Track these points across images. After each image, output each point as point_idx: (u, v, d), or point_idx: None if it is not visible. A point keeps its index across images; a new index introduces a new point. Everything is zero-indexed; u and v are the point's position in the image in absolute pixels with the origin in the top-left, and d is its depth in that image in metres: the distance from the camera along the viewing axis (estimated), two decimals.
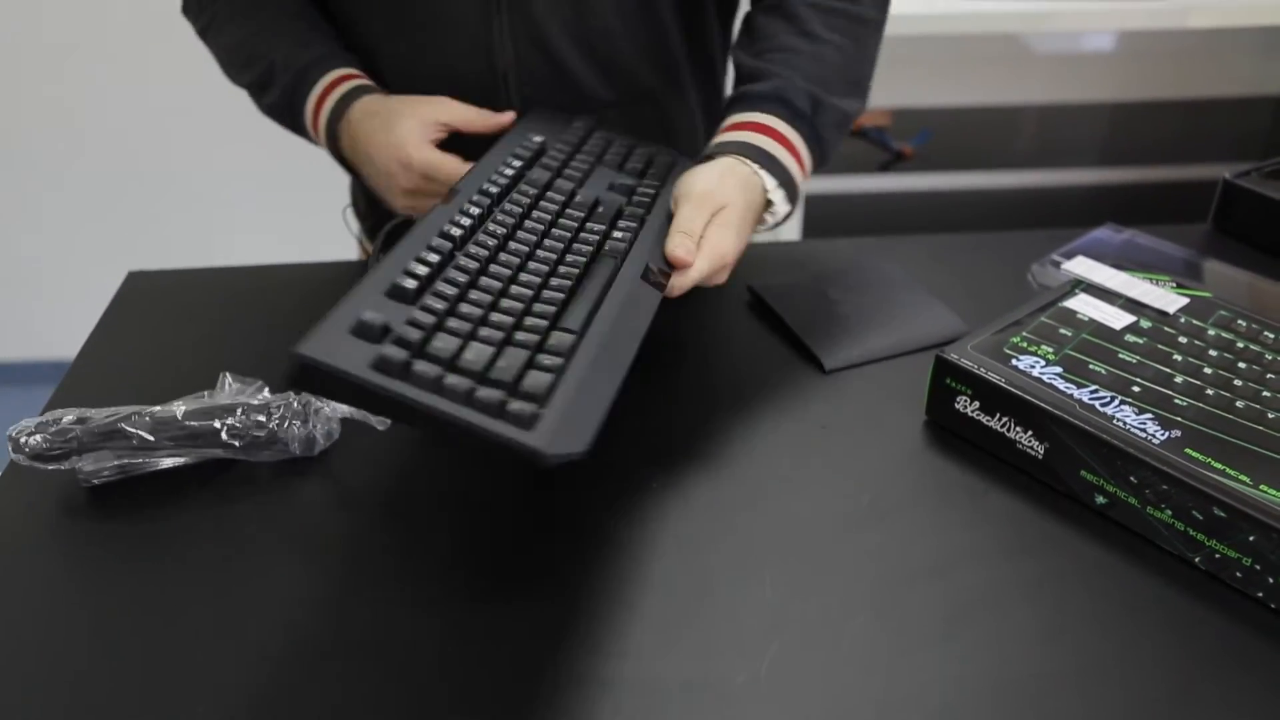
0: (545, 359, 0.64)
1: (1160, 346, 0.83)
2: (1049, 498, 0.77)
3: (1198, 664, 0.64)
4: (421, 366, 0.59)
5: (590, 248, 0.78)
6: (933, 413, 0.84)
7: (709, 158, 0.90)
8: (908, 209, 2.44)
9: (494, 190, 0.81)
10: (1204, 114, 2.66)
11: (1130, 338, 0.84)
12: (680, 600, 0.69)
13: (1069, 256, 0.99)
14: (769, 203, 0.89)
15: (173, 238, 2.47)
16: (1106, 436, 0.73)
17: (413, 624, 0.67)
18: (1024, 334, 0.84)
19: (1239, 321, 0.86)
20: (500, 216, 0.78)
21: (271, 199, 2.33)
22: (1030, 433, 0.77)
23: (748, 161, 0.88)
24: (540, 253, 0.76)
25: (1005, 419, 0.79)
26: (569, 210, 0.82)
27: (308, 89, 0.99)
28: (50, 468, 0.78)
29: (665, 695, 0.63)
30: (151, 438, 0.78)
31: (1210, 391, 0.78)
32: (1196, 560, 0.71)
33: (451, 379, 0.59)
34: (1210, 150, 2.55)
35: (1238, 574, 0.69)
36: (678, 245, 0.80)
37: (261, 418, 0.80)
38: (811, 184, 2.32)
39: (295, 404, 0.81)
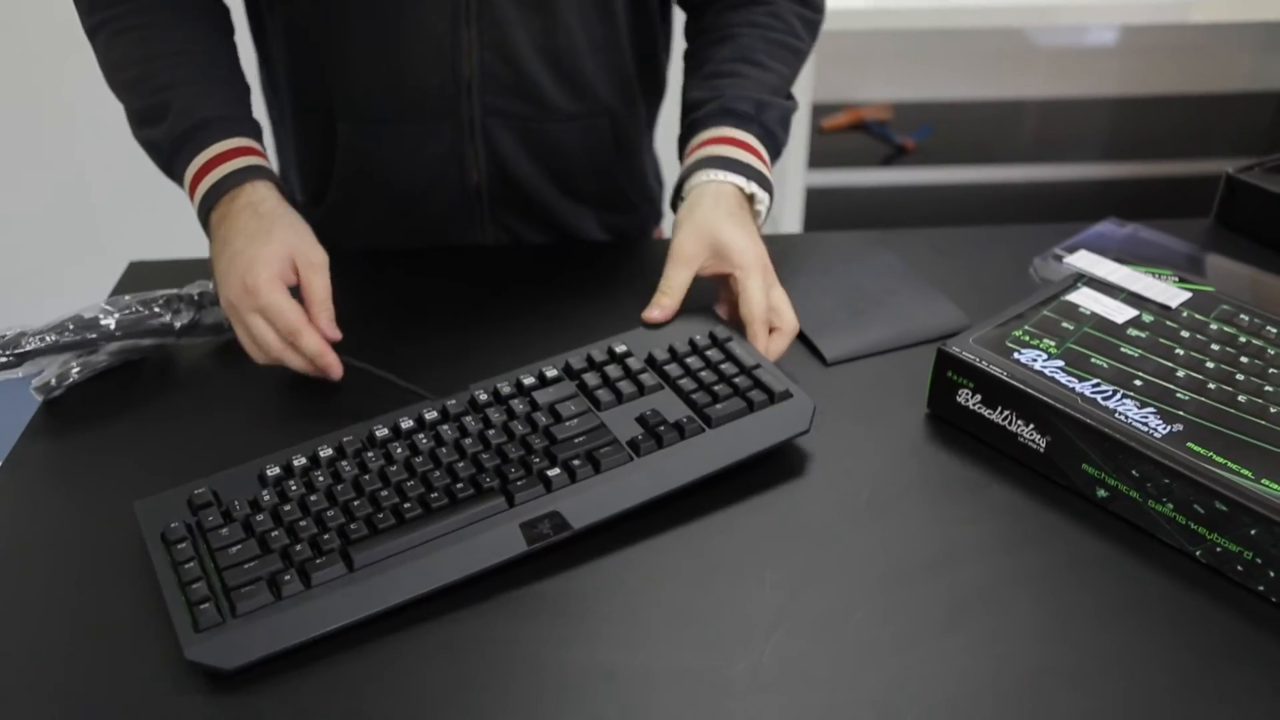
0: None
1: (1162, 341, 0.83)
2: (1050, 491, 0.77)
3: (1199, 657, 0.65)
4: None
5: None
6: (934, 406, 0.84)
7: (678, 190, 0.95)
8: (910, 203, 2.44)
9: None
10: (1207, 109, 2.67)
11: (1133, 332, 0.84)
12: (681, 592, 0.69)
13: (1071, 250, 0.99)
14: (751, 198, 0.92)
15: (174, 227, 2.47)
16: (1108, 430, 0.73)
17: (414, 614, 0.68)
18: (1026, 327, 0.84)
19: (1241, 316, 0.86)
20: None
21: None
22: (1032, 426, 0.77)
23: (716, 173, 0.92)
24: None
25: (1007, 412, 0.79)
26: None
27: (200, 146, 0.90)
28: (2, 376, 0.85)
29: (665, 683, 0.63)
30: (94, 335, 0.88)
31: (1212, 386, 0.78)
32: (1198, 554, 0.71)
33: None
34: (1213, 145, 2.55)
35: (1239, 567, 0.69)
36: (651, 307, 0.88)
37: (186, 303, 0.92)
38: (813, 178, 2.32)
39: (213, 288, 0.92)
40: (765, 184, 0.94)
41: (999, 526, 0.74)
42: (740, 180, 0.92)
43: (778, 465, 0.80)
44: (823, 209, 2.35)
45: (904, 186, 2.47)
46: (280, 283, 0.84)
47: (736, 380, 0.82)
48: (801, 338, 0.93)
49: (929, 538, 0.73)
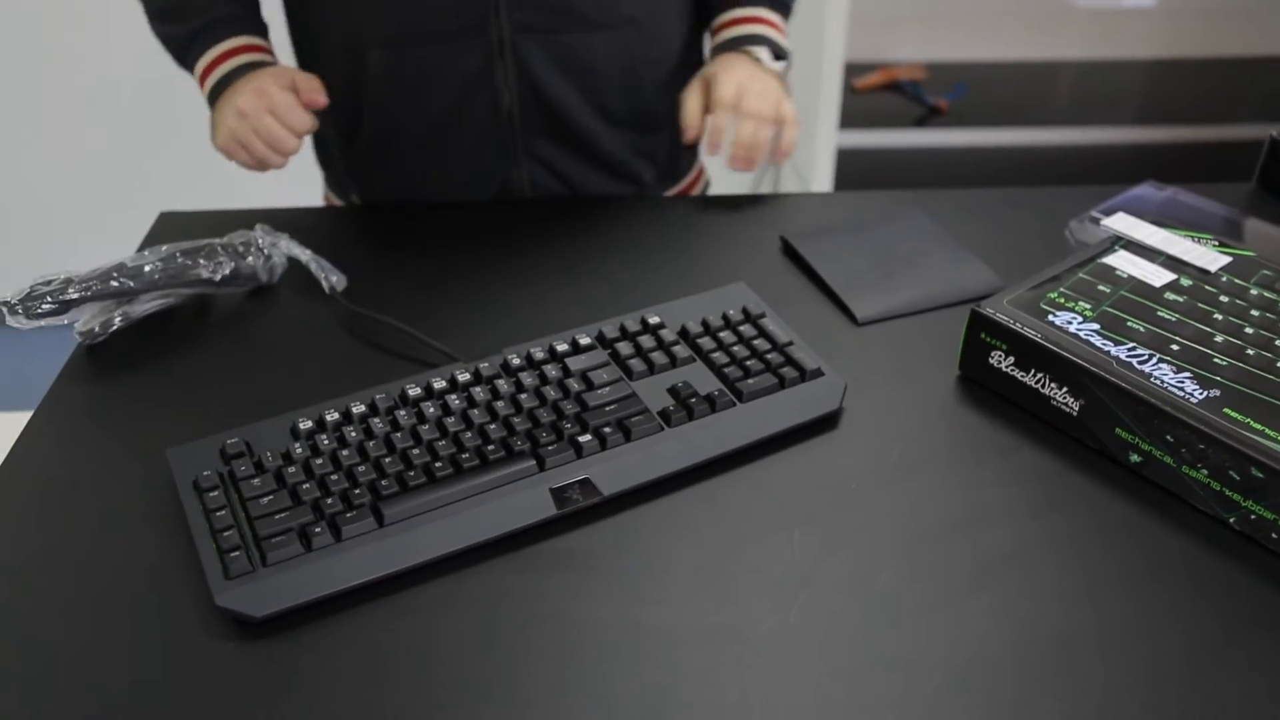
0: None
1: (1200, 305, 0.82)
2: (1082, 455, 0.77)
3: (1228, 625, 0.64)
4: None
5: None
6: (966, 368, 0.84)
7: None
8: (943, 165, 2.42)
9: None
10: (1249, 71, 2.62)
11: (1170, 295, 0.83)
12: (708, 549, 0.69)
13: (1108, 213, 0.98)
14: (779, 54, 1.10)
15: (205, 178, 2.48)
16: (1143, 394, 0.73)
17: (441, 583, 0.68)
18: (1061, 290, 0.83)
19: None
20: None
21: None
22: (1065, 389, 0.77)
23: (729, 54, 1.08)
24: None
25: (1040, 375, 0.78)
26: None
27: (212, 41, 1.06)
28: (45, 323, 0.87)
29: (692, 640, 0.63)
30: (137, 284, 0.90)
31: (1251, 351, 0.77)
32: (1231, 520, 0.70)
33: None
34: (1255, 109, 2.50)
35: (1274, 535, 0.68)
36: (688, 129, 1.06)
37: (227, 253, 0.93)
38: (845, 138, 2.30)
39: (259, 239, 0.95)
40: (778, 49, 1.10)
41: (1028, 490, 0.74)
42: (755, 49, 1.08)
43: (808, 424, 0.79)
44: (854, 170, 2.33)
45: (937, 148, 2.44)
46: (289, 88, 1.01)
47: (769, 356, 0.82)
48: (832, 297, 0.93)
49: (957, 500, 0.73)
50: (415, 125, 1.09)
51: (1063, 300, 0.82)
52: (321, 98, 1.02)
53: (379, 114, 1.09)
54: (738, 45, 1.11)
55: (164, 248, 0.92)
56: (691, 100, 1.07)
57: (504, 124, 1.09)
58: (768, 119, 1.03)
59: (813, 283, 0.95)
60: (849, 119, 2.32)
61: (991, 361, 0.81)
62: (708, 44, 1.17)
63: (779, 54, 1.10)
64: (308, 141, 1.10)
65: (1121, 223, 0.94)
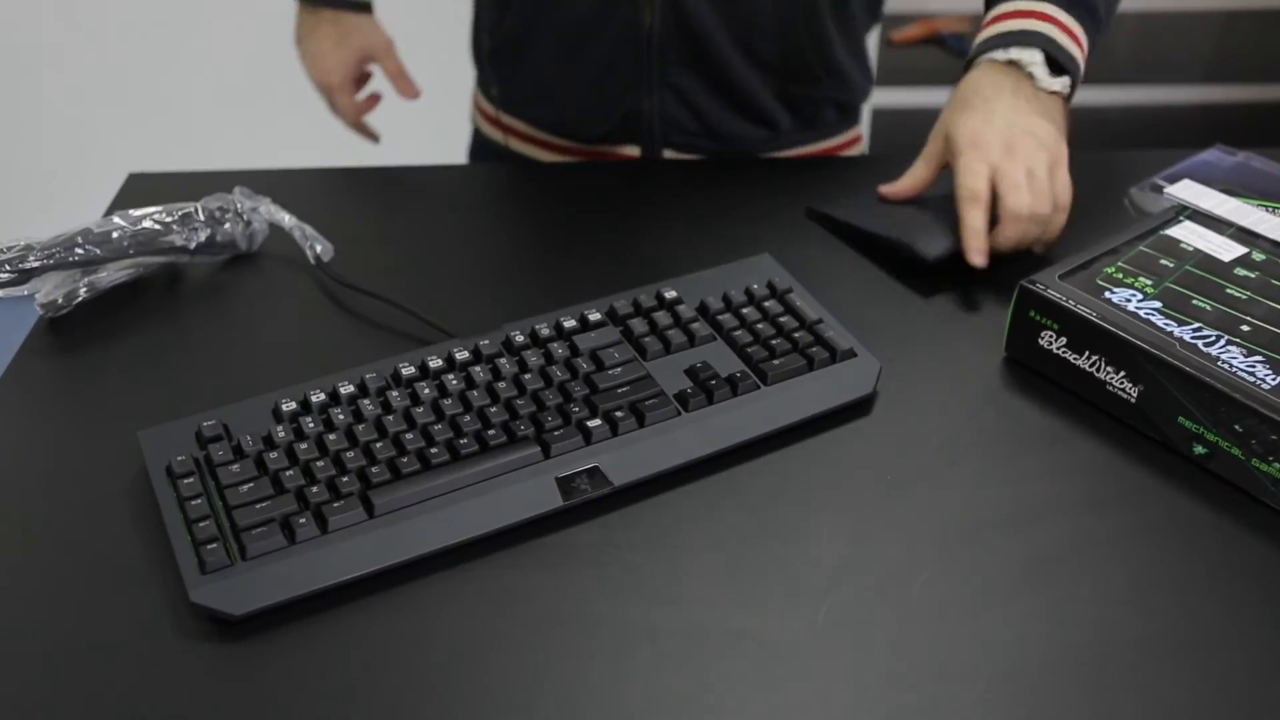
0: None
1: (1275, 282, 0.82)
2: (1141, 446, 0.77)
3: None
4: None
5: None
6: (1013, 349, 0.84)
7: (969, 64, 0.98)
8: None
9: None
10: None
11: (1240, 271, 0.83)
12: (728, 545, 0.70)
13: (1173, 180, 0.97)
14: (1031, 76, 0.94)
15: (178, 135, 2.48)
16: (1210, 380, 0.72)
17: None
18: (1120, 264, 0.83)
19: None
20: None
21: (273, 102, 2.33)
22: (1123, 374, 0.77)
23: (996, 53, 0.94)
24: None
25: (1095, 358, 0.78)
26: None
27: None
28: (3, 294, 0.87)
29: (710, 644, 0.64)
30: (104, 251, 0.89)
31: None
32: None
33: None
34: None
35: None
36: (973, 253, 0.89)
37: (203, 218, 0.93)
38: (881, 96, 2.29)
39: (238, 204, 0.95)
40: (1063, 60, 0.94)
41: (1081, 483, 0.74)
42: (1025, 55, 0.93)
43: (839, 410, 0.79)
44: (891, 131, 2.32)
45: None
46: (351, 86, 1.27)
47: (796, 335, 0.82)
48: (866, 271, 0.92)
49: (1002, 494, 0.73)
50: (554, 24, 1.13)
51: (1121, 276, 0.82)
52: (414, 89, 1.26)
53: (524, 6, 1.14)
54: (1004, 45, 0.95)
55: (133, 212, 0.92)
56: (971, 214, 0.90)
57: (643, 42, 1.11)
58: (1042, 218, 0.90)
59: (845, 254, 0.95)
60: (885, 75, 2.31)
61: (1041, 343, 0.81)
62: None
63: (1059, 67, 0.94)
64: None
65: (1187, 191, 0.94)
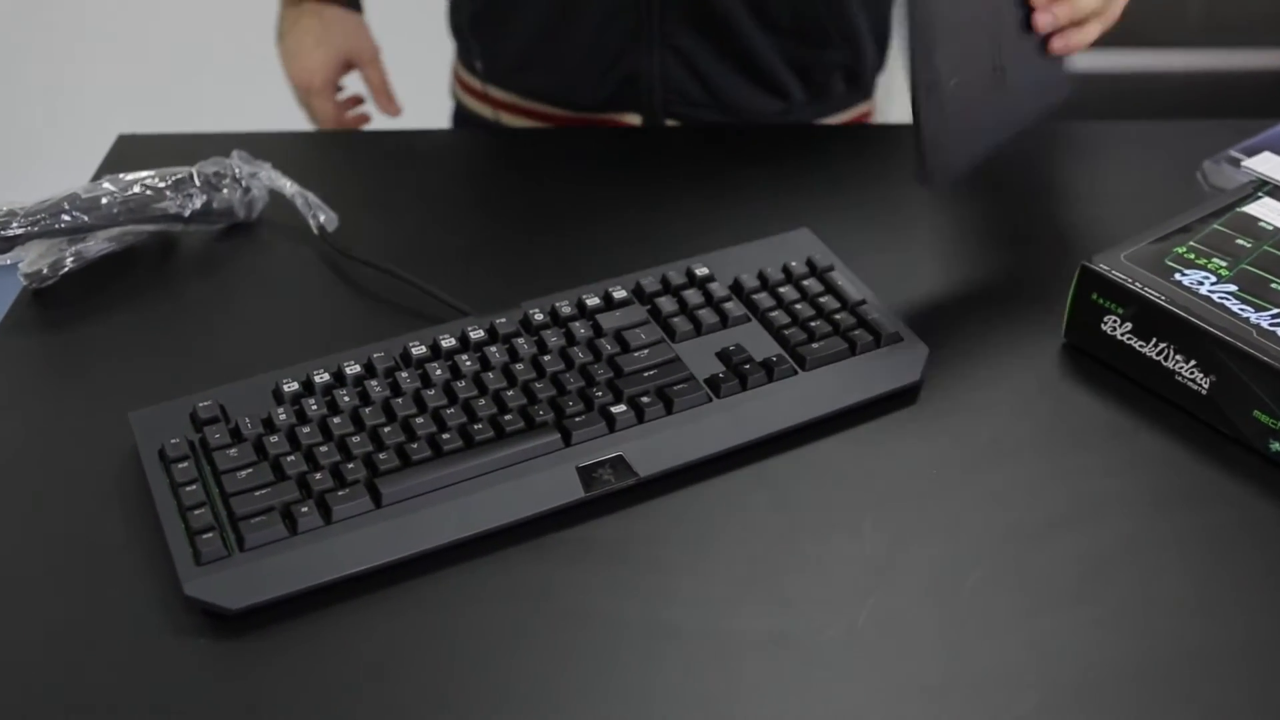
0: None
1: None
2: (1212, 441, 0.76)
3: None
4: None
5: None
6: (1073, 335, 0.84)
7: None
8: None
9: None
10: None
11: None
12: (763, 544, 0.70)
13: (1250, 153, 0.97)
14: None
15: (171, 94, 2.49)
16: None
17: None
18: (1191, 243, 0.83)
19: None
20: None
21: (273, 59, 2.33)
22: (1194, 363, 0.76)
23: None
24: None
25: (1163, 345, 0.78)
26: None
27: None
28: None
29: (741, 648, 0.64)
30: (92, 219, 0.90)
31: None
32: None
33: None
34: None
35: None
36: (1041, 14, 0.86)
37: (198, 184, 0.94)
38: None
39: (236, 169, 0.95)
40: None
41: (1146, 480, 0.74)
42: None
43: (882, 398, 0.79)
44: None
45: None
46: (331, 90, 1.25)
47: (838, 317, 0.82)
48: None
49: (1060, 491, 0.73)
50: None
51: (1193, 256, 0.82)
52: (395, 107, 1.27)
53: None
54: None
55: (123, 176, 0.93)
56: None
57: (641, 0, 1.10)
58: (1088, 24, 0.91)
59: (887, 230, 0.95)
60: None
61: (1104, 328, 0.81)
62: None
63: None
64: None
65: (1266, 164, 0.94)
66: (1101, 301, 0.81)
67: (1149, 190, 0.99)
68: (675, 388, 0.77)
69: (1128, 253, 0.82)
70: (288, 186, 0.96)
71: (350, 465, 0.71)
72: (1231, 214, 0.86)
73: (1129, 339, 0.80)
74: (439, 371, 0.77)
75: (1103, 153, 1.05)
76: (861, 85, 1.25)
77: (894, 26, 1.21)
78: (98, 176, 0.99)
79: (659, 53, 1.13)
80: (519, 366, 0.78)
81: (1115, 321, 0.80)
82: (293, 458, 0.72)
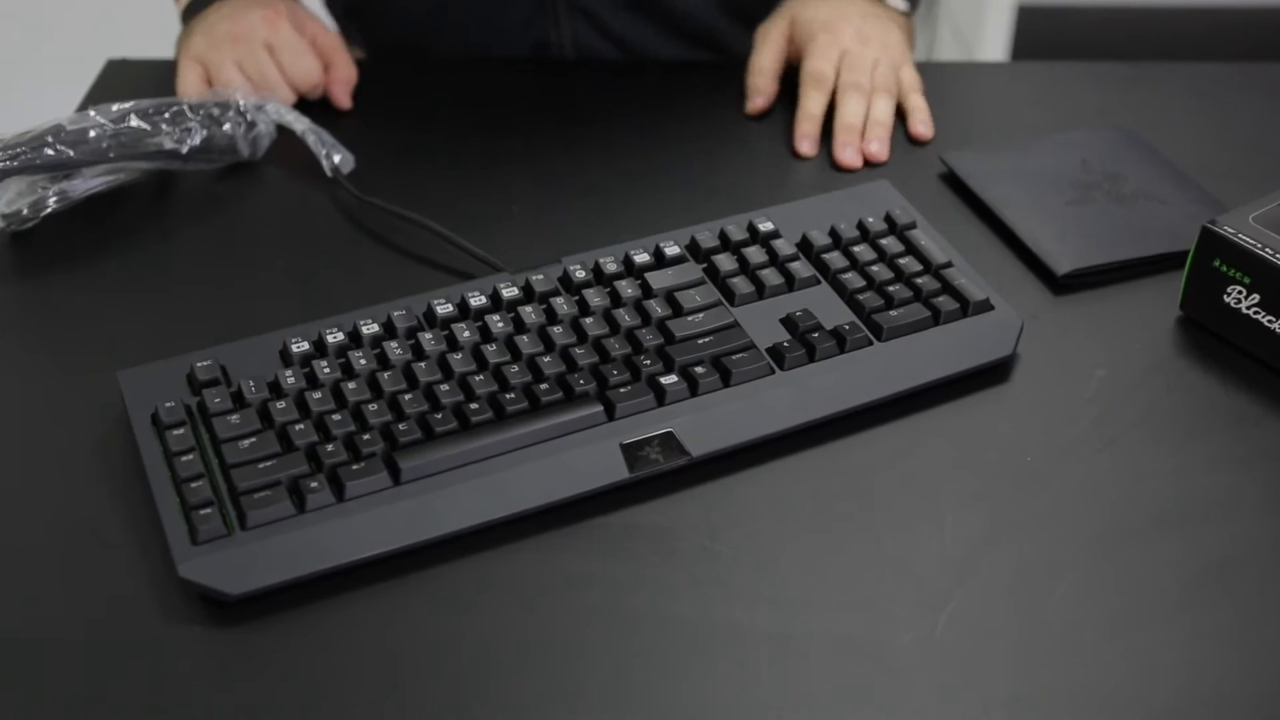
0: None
1: None
2: None
3: None
4: None
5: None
6: (1190, 307, 0.83)
7: None
8: (1157, 28, 2.37)
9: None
10: None
11: None
12: (832, 537, 0.70)
13: None
14: None
15: (161, 20, 2.50)
16: None
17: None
18: None
19: None
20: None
21: None
22: None
23: None
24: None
25: None
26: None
27: None
28: None
29: (807, 651, 0.64)
30: (79, 154, 0.90)
31: None
32: None
33: None
34: None
35: None
36: (802, 140, 0.99)
37: (198, 117, 0.94)
38: None
39: (240, 101, 0.95)
40: None
41: (1266, 477, 0.73)
42: None
43: (969, 374, 0.79)
44: (1037, 32, 2.30)
45: (1149, 7, 2.39)
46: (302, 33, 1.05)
47: (919, 281, 0.82)
48: (1020, 248, 0.90)
49: (1169, 484, 0.73)
50: None
51: None
52: (346, 100, 1.06)
53: None
54: None
55: (113, 107, 0.93)
56: (765, 55, 1.05)
57: None
58: (881, 90, 1.01)
59: (974, 207, 0.95)
60: None
61: (1227, 300, 0.80)
62: None
63: None
64: None
65: None
66: (1224, 269, 0.80)
67: (1272, 142, 0.98)
68: (733, 357, 0.77)
69: (1257, 214, 0.81)
70: (298, 123, 0.96)
71: (366, 437, 0.72)
72: None
73: (1255, 313, 0.79)
74: (467, 333, 0.77)
75: (1220, 96, 1.04)
76: None
77: None
78: (84, 106, 1.00)
79: (567, 18, 1.12)
80: (557, 330, 0.78)
81: (1240, 293, 0.79)
82: (301, 426, 0.72)
